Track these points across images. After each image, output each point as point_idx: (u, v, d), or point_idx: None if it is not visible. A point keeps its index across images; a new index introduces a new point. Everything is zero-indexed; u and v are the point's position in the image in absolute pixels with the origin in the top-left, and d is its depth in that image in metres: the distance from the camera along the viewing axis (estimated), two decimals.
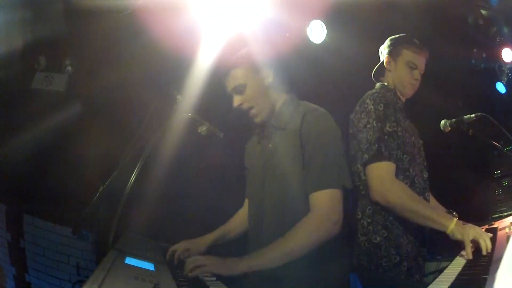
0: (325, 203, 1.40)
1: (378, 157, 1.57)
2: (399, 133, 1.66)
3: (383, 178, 1.56)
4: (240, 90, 1.60)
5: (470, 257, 1.32)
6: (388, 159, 1.57)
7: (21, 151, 2.52)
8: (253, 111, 1.61)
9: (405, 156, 1.66)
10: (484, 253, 1.30)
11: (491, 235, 1.51)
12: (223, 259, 1.37)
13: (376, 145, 1.58)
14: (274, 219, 1.53)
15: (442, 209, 1.88)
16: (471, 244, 1.35)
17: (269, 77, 1.61)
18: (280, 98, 1.65)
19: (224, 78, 1.64)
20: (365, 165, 1.60)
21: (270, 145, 1.63)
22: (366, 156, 1.59)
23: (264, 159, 1.65)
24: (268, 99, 1.62)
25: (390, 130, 1.62)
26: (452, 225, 1.43)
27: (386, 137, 1.59)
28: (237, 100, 1.61)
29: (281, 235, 1.40)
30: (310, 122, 1.50)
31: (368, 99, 1.70)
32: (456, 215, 1.82)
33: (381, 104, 1.65)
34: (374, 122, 1.62)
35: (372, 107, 1.66)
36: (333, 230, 1.39)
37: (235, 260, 1.36)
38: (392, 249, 1.59)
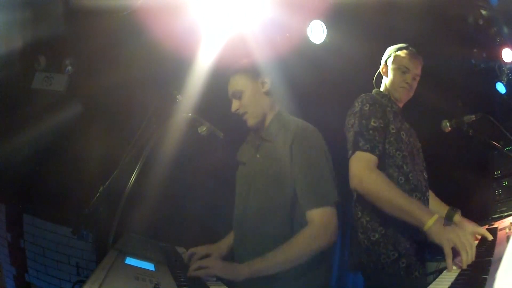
0: (322, 219, 1.48)
1: (358, 148, 1.57)
2: (392, 130, 1.68)
3: (360, 165, 1.55)
4: (237, 96, 1.67)
5: (451, 270, 1.17)
6: (368, 150, 1.56)
7: (21, 151, 2.52)
8: (246, 116, 1.68)
9: (398, 152, 1.67)
10: (464, 266, 1.16)
11: (475, 243, 1.45)
12: (227, 263, 1.42)
13: (358, 138, 1.59)
14: (256, 228, 1.57)
15: (444, 207, 1.88)
16: (451, 253, 1.19)
17: (266, 86, 1.68)
18: (271, 111, 1.71)
19: (227, 83, 1.73)
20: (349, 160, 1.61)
21: (258, 155, 1.69)
22: (350, 152, 1.61)
23: (250, 168, 1.71)
24: (262, 107, 1.69)
25: (375, 125, 1.61)
26: (430, 223, 1.29)
27: (370, 131, 1.59)
28: (234, 105, 1.69)
29: (262, 246, 1.46)
30: (301, 140, 1.57)
31: (356, 102, 1.72)
32: (459, 212, 1.81)
33: (367, 104, 1.67)
34: (359, 120, 1.64)
35: (358, 108, 1.68)
36: (331, 240, 1.48)
37: (238, 266, 1.40)
38: (390, 246, 1.59)
